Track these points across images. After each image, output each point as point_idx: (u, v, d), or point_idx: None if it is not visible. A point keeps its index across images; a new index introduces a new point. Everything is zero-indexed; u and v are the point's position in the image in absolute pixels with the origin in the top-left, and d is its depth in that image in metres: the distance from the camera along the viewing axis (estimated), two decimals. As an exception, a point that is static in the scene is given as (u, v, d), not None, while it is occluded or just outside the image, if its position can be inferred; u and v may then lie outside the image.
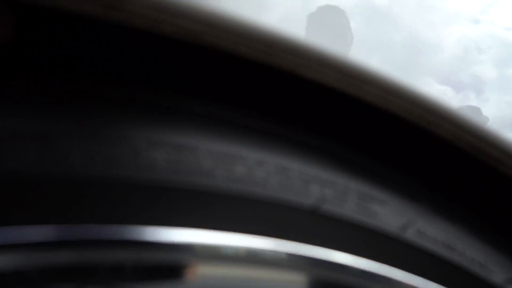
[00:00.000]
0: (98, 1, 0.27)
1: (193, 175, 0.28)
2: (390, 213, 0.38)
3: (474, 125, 0.43)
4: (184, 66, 0.33)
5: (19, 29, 0.27)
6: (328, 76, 0.36)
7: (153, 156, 0.27)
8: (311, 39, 0.33)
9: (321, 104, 0.40)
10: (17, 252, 0.21)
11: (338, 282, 0.30)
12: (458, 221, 0.45)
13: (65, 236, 0.23)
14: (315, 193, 0.33)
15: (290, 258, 0.30)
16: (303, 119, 0.38)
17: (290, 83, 0.35)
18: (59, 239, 0.22)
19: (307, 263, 0.30)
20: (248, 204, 0.29)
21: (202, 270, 0.28)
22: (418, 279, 0.34)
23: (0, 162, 0.23)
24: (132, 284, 0.24)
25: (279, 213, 0.30)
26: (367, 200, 0.37)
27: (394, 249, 0.35)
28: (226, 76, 0.34)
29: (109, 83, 0.28)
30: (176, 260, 0.27)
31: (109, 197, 0.25)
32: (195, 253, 0.27)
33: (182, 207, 0.27)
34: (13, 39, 0.27)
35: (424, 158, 0.46)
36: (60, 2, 0.25)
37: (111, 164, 0.25)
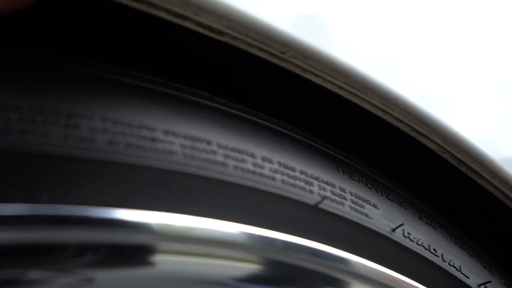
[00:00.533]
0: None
1: (208, 169, 0.29)
2: (380, 216, 0.40)
3: (460, 139, 0.46)
4: (207, 62, 0.34)
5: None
6: (332, 84, 0.38)
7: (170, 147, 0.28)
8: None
9: (323, 108, 0.42)
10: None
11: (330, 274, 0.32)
12: (439, 228, 0.48)
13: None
14: (316, 191, 0.35)
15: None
16: (307, 121, 0.40)
17: (300, 87, 0.37)
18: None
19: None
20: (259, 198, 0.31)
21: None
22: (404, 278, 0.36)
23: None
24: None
25: (283, 207, 0.32)
26: (361, 202, 0.39)
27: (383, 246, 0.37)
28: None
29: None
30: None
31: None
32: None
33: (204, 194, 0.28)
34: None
35: (412, 167, 0.49)
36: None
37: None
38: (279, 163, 0.34)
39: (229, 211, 0.28)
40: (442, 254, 0.45)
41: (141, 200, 0.24)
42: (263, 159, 0.33)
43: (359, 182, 0.41)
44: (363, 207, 0.39)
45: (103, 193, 0.23)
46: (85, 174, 0.23)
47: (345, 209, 0.37)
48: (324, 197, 0.34)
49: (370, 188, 0.42)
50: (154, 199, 0.25)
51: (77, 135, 0.24)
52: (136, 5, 0.29)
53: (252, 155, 0.33)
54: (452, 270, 0.45)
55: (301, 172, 0.35)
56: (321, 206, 0.34)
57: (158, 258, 0.24)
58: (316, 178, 0.36)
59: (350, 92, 0.39)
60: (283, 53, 0.34)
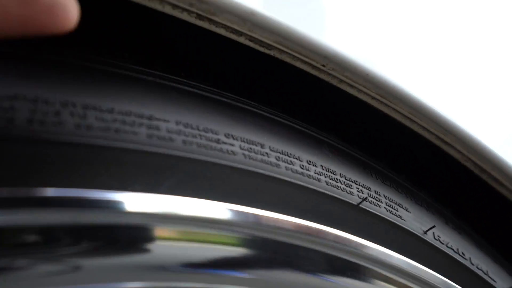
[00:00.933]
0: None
1: (265, 169, 0.32)
2: (412, 218, 0.42)
3: (482, 148, 0.48)
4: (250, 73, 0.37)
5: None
6: (366, 95, 0.41)
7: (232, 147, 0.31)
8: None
9: (355, 117, 0.45)
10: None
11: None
12: (464, 234, 0.50)
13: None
14: (356, 193, 0.38)
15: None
16: (341, 129, 0.43)
17: (336, 97, 0.41)
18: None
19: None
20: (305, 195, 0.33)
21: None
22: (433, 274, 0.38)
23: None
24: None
25: (330, 205, 0.34)
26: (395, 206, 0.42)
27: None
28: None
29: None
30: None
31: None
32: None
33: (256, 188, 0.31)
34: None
35: (436, 175, 0.52)
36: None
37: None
38: (322, 167, 0.37)
39: (285, 205, 0.31)
40: (470, 258, 0.47)
41: (213, 193, 0.27)
42: (308, 162, 0.36)
43: (390, 187, 0.44)
44: (396, 209, 0.41)
45: (184, 186, 0.26)
46: (168, 169, 0.26)
47: (382, 210, 0.39)
48: (365, 198, 0.37)
49: (400, 193, 0.45)
50: (224, 193, 0.28)
51: (159, 135, 0.27)
52: (200, 23, 0.32)
53: (299, 158, 0.35)
54: (480, 274, 0.47)
55: (341, 175, 0.38)
56: (362, 206, 0.37)
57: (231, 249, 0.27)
58: (354, 181, 0.39)
59: (381, 102, 0.42)
60: (323, 65, 0.37)
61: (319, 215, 0.32)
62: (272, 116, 0.37)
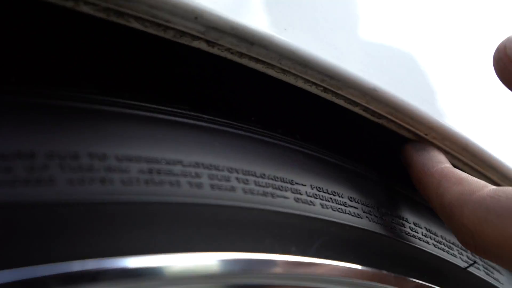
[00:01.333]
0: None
1: (387, 231, 0.34)
2: (507, 282, 0.43)
3: None
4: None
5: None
6: (460, 161, 0.44)
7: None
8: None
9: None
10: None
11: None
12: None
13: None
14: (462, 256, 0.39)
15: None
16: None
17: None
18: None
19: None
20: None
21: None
22: None
23: None
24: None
25: (439, 266, 0.36)
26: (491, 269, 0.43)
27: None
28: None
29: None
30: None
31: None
32: None
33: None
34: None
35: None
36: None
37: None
38: (426, 229, 0.39)
39: (403, 267, 0.33)
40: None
41: (350, 255, 0.30)
42: (415, 224, 0.38)
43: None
44: (493, 272, 0.42)
45: (328, 248, 0.29)
46: (315, 231, 0.29)
47: (481, 273, 0.40)
48: (474, 262, 0.38)
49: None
50: (359, 256, 0.30)
51: (302, 198, 0.30)
52: (324, 95, 0.36)
53: (407, 220, 0.38)
54: None
55: (442, 237, 0.40)
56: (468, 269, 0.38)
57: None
58: (453, 243, 0.41)
59: (473, 169, 0.45)
60: (426, 134, 0.40)
61: (433, 275, 0.34)
62: (378, 179, 0.39)
